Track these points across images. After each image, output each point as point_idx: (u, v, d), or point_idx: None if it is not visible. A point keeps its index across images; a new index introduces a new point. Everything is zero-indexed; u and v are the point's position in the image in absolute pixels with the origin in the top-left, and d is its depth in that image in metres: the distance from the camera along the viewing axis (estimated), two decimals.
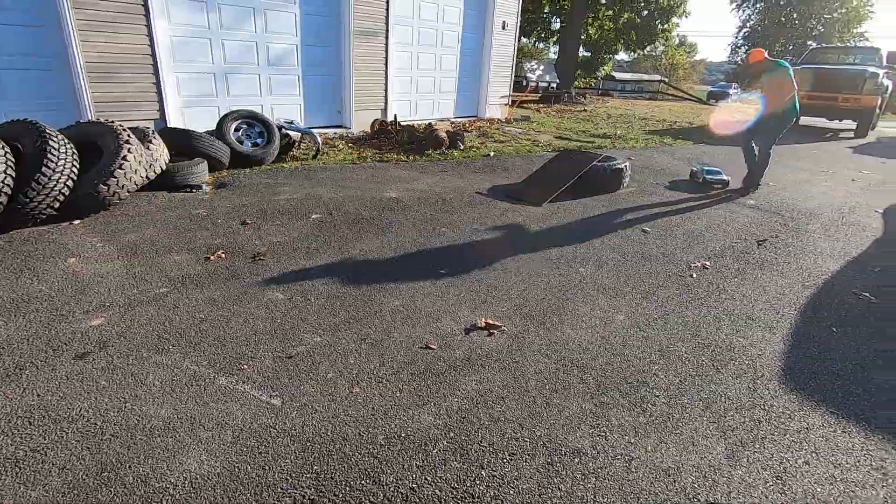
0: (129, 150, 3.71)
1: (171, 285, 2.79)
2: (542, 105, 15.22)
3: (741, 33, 46.05)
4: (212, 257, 3.15)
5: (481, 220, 4.15)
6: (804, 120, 12.66)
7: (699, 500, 1.62)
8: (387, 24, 7.97)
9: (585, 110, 14.59)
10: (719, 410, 2.06)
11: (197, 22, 6.00)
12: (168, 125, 5.74)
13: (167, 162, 4.30)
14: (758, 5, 44.84)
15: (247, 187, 4.68)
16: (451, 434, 1.83)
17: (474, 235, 3.81)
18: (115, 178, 3.61)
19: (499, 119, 10.65)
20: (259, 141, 5.61)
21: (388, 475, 1.64)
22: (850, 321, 2.84)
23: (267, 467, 1.63)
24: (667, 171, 6.53)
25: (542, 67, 17.96)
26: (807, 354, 2.49)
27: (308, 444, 1.74)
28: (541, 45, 30.44)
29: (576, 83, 20.29)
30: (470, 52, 9.97)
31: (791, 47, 40.07)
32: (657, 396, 2.11)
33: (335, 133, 7.66)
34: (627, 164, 5.45)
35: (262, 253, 3.25)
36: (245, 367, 2.12)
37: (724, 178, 5.71)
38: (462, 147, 7.14)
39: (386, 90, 8.41)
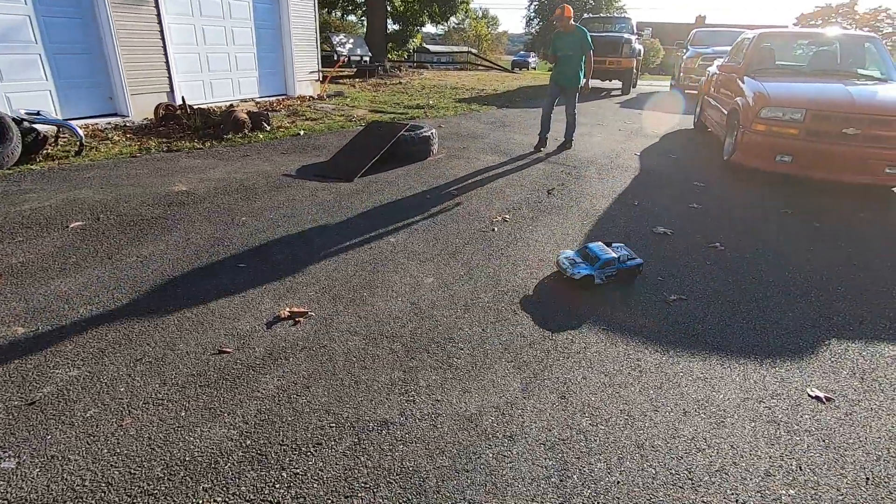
0: None
1: None
2: (357, 80, 14.89)
3: (532, 6, 51.01)
4: None
5: (288, 204, 3.88)
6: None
7: (497, 438, 1.73)
8: None
9: (401, 83, 14.71)
10: (516, 350, 2.23)
11: None
12: None
13: None
14: None
15: None
16: (248, 442, 1.66)
17: (279, 221, 3.54)
18: None
19: (311, 96, 10.12)
20: None
21: None
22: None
23: None
24: (474, 135, 6.92)
25: (352, 41, 17.49)
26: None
27: None
28: (351, 18, 29.71)
29: (389, 56, 20.32)
30: (266, 25, 9.17)
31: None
32: (462, 349, 2.21)
33: (108, 123, 6.44)
34: (434, 131, 5.61)
35: None
36: None
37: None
38: (268, 128, 6.60)
39: (168, 70, 7.30)
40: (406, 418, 1.79)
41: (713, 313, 2.60)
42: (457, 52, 32.48)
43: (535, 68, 36.59)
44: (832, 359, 2.26)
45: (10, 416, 1.71)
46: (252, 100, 8.98)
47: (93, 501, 1.42)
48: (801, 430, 1.82)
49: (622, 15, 19.67)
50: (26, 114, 4.99)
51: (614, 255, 2.80)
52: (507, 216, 3.83)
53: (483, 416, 1.82)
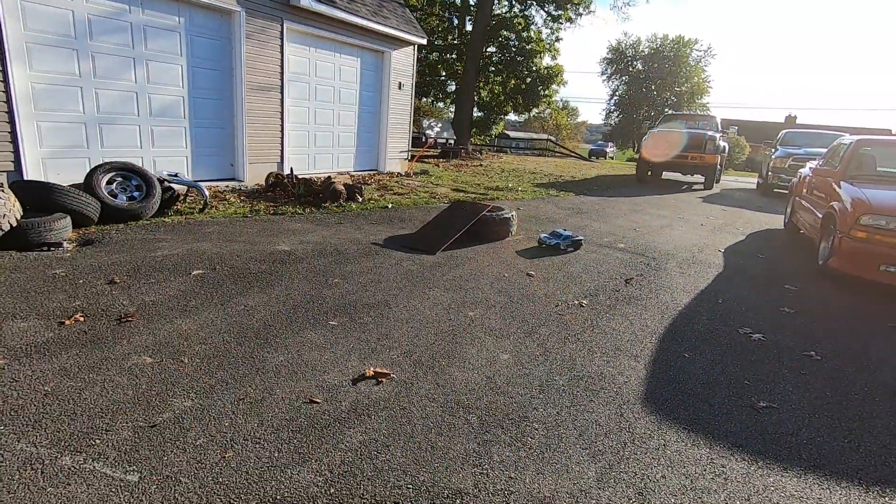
0: None
1: (11, 356, 2.43)
2: (441, 160, 15.96)
3: (612, 101, 52.89)
4: (67, 322, 2.82)
5: (376, 270, 4.18)
6: (665, 174, 14.62)
7: None
8: (282, 79, 8.02)
9: (482, 165, 15.54)
10: (591, 437, 2.21)
11: (66, 69, 5.58)
12: (25, 177, 5.17)
13: (18, 218, 3.84)
14: (623, 77, 52.15)
15: (119, 244, 4.30)
16: (332, 490, 1.76)
17: (368, 285, 3.82)
18: None
19: (399, 173, 10.97)
20: (136, 195, 5.23)
21: None
22: (699, 346, 3.23)
23: None
24: (552, 220, 7.11)
25: (439, 125, 18.97)
26: (664, 378, 2.78)
27: None
28: (439, 105, 32.34)
29: (472, 140, 21.72)
30: (368, 109, 10.30)
31: (652, 114, 46.85)
32: (536, 429, 2.22)
33: (227, 186, 7.37)
34: (514, 213, 5.87)
35: (129, 314, 2.97)
36: (96, 442, 1.89)
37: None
38: (361, 199, 7.22)
39: (282, 144, 8.34)
40: (479, 491, 1.82)
41: (809, 427, 2.42)
42: (535, 139, 33.94)
43: (612, 157, 37.14)
44: None
45: (136, 435, 1.95)
46: (347, 172, 9.90)
47: None
48: None
49: (706, 113, 19.84)
50: (168, 175, 5.90)
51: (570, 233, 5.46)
52: (584, 301, 3.86)
53: (556, 501, 1.81)
